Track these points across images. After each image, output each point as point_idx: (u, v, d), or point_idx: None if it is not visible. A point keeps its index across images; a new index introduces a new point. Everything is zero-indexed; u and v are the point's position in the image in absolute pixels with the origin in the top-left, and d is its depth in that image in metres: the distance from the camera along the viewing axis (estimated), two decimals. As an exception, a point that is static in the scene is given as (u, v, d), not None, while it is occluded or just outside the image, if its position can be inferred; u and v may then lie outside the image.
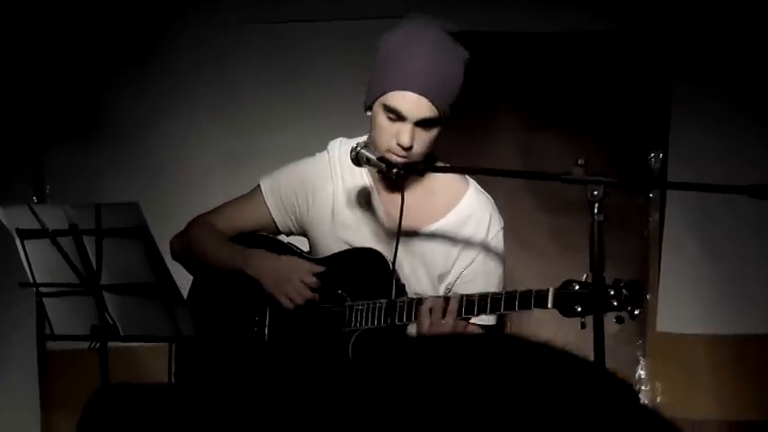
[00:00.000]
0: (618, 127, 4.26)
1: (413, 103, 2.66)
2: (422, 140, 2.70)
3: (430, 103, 2.66)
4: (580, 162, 2.43)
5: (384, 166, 2.67)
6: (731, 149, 4.14)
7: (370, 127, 2.76)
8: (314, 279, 2.80)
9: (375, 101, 2.71)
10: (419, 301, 2.69)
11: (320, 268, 2.81)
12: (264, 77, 4.37)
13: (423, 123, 2.68)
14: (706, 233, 4.16)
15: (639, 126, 4.26)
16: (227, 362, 2.89)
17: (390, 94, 2.68)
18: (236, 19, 4.36)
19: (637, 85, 4.25)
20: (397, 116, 2.67)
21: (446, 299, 2.66)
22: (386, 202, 2.83)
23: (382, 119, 2.69)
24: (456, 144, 4.10)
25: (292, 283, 2.79)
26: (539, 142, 4.25)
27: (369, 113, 2.76)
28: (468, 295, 2.65)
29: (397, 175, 2.66)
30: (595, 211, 2.40)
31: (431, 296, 2.71)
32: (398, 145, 2.67)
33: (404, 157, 2.68)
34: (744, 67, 4.14)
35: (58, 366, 4.34)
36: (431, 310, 2.64)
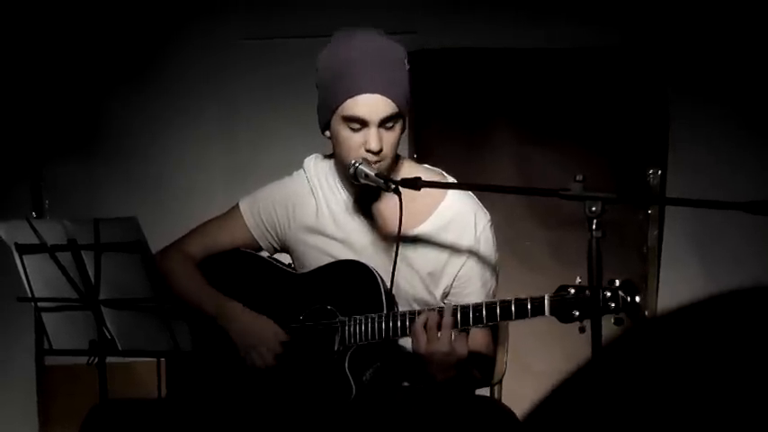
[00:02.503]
0: (617, 143, 4.27)
1: (372, 105, 2.65)
2: (389, 141, 2.69)
3: (388, 100, 2.65)
4: (578, 178, 2.42)
5: (383, 182, 2.65)
6: (730, 165, 4.15)
7: (333, 146, 2.76)
8: (279, 348, 2.79)
9: (331, 118, 2.71)
10: (411, 316, 2.67)
11: (287, 337, 2.80)
12: (265, 92, 4.38)
13: (385, 123, 2.67)
14: (705, 249, 4.17)
15: (638, 142, 4.27)
16: (221, 380, 2.87)
17: (344, 104, 2.66)
18: (236, 35, 4.37)
19: (636, 102, 4.27)
20: (359, 123, 2.66)
21: (439, 312, 2.61)
22: (370, 212, 2.83)
23: (345, 132, 2.68)
24: (454, 159, 4.12)
25: (258, 350, 2.79)
26: (537, 158, 4.26)
27: (327, 134, 2.76)
28: (462, 306, 2.61)
29: (396, 191, 2.65)
30: (594, 226, 2.39)
31: (425, 310, 2.66)
32: (368, 151, 2.66)
33: (376, 162, 2.68)
34: (742, 83, 4.15)
35: (56, 381, 4.34)
36: (425, 326, 2.61)
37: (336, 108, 2.69)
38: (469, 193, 2.86)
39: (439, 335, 2.58)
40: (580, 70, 4.29)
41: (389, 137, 2.68)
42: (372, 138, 2.66)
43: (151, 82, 4.38)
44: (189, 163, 4.39)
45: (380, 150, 2.66)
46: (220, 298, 2.87)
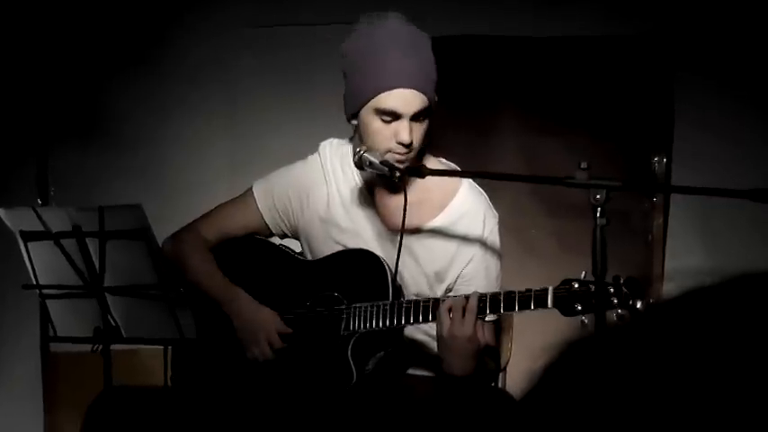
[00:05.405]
0: (622, 131, 4.26)
1: (406, 99, 2.64)
2: (419, 134, 2.68)
3: (421, 95, 2.65)
4: (583, 166, 2.41)
5: (387, 170, 2.65)
6: (735, 153, 4.14)
7: (359, 134, 2.73)
8: (279, 341, 2.81)
9: (362, 107, 2.69)
10: (417, 305, 2.67)
11: (289, 330, 2.82)
12: (266, 80, 4.37)
13: (417, 116, 2.66)
14: (710, 237, 4.16)
15: (643, 130, 4.26)
16: (226, 367, 2.88)
17: (380, 96, 2.65)
18: (237, 22, 4.36)
19: (640, 89, 4.26)
20: (392, 116, 2.65)
21: (465, 297, 2.62)
22: (381, 203, 2.82)
23: (376, 123, 2.67)
24: (459, 147, 4.11)
25: (259, 342, 2.81)
26: (542, 146, 4.25)
27: (354, 122, 2.74)
28: (481, 294, 2.62)
29: (400, 178, 2.65)
30: (598, 214, 2.39)
31: (448, 297, 2.67)
32: (399, 143, 2.65)
33: (404, 154, 2.66)
34: (747, 70, 4.14)
35: (61, 368, 4.34)
36: (450, 310, 2.61)
37: (369, 99, 2.67)
38: (482, 192, 2.86)
39: (463, 320, 2.59)
40: (585, 58, 4.28)
41: (419, 129, 2.68)
42: (404, 130, 2.64)
43: (155, 71, 4.38)
44: (193, 151, 4.38)
45: (411, 143, 2.66)
46: (228, 286, 2.88)
